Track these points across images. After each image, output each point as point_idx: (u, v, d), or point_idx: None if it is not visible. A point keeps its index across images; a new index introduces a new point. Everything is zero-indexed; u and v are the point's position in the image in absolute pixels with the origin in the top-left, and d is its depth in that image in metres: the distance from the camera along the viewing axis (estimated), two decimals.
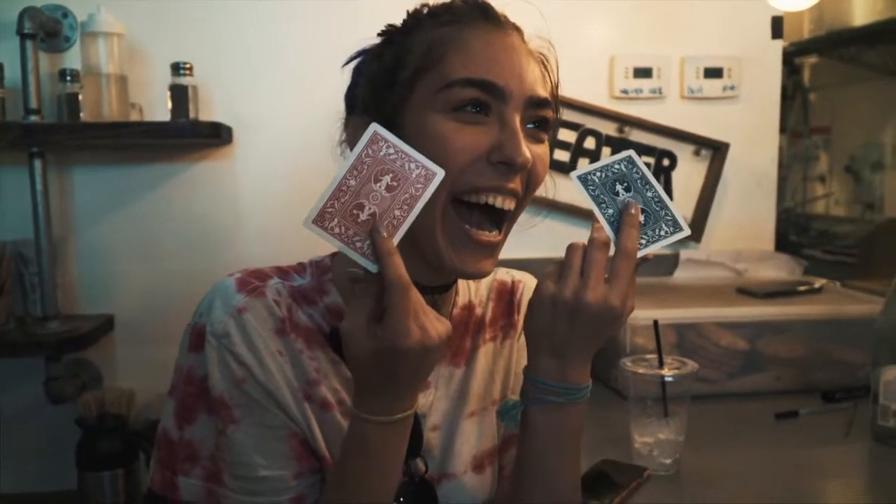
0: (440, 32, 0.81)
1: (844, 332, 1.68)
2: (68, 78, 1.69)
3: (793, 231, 2.98)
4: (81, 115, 1.68)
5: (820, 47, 2.60)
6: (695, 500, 1.20)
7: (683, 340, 1.66)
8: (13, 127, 1.59)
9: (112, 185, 1.81)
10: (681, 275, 1.98)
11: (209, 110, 1.79)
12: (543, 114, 0.83)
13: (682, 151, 1.96)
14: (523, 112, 0.80)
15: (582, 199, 0.80)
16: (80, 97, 1.68)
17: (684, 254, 1.98)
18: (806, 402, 1.54)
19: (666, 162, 1.95)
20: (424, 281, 0.85)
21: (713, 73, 1.94)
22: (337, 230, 0.70)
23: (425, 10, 0.85)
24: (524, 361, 0.94)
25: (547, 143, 0.85)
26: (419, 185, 0.70)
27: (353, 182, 0.70)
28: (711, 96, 1.96)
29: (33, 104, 1.62)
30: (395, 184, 0.70)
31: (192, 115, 1.69)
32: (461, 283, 0.98)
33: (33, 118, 1.62)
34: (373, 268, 0.71)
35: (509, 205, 0.81)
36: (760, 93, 2.00)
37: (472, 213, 0.81)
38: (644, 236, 0.80)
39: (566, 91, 1.95)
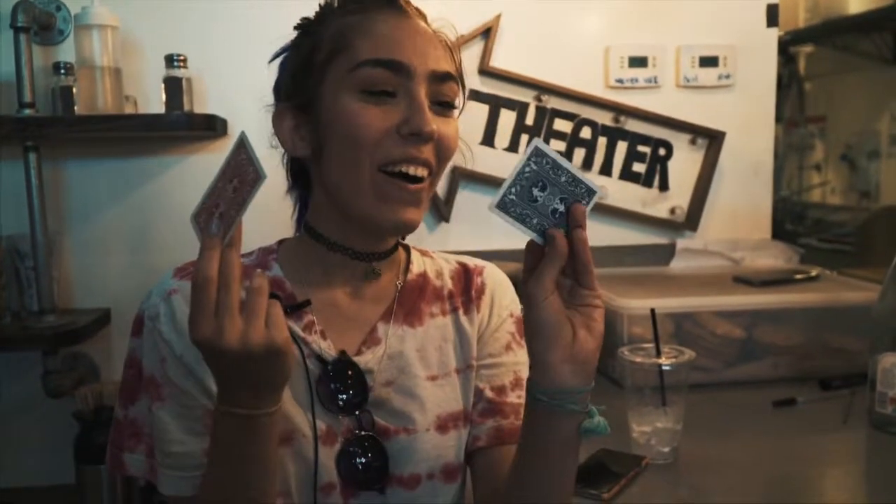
0: (349, 20, 0.88)
1: (841, 319, 1.68)
2: (62, 71, 1.68)
3: (789, 220, 2.99)
4: (76, 108, 1.67)
5: (815, 36, 2.59)
6: (693, 489, 1.20)
7: (680, 330, 1.67)
8: (7, 121, 1.59)
9: (107, 179, 1.81)
10: (677, 264, 1.98)
11: (203, 102, 1.78)
12: (448, 88, 0.88)
13: (678, 140, 1.95)
14: (429, 87, 0.86)
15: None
16: (75, 90, 1.67)
17: (681, 243, 1.98)
18: (803, 391, 1.55)
19: (662, 151, 1.94)
20: (362, 248, 0.92)
21: (708, 61, 1.93)
22: (202, 225, 0.77)
23: (335, 2, 0.92)
24: (494, 347, 1.00)
25: (455, 118, 0.91)
26: (248, 188, 0.74)
27: (220, 184, 0.77)
28: (707, 85, 1.95)
29: (27, 98, 1.61)
30: (238, 186, 0.75)
31: (186, 107, 1.68)
32: (415, 256, 1.01)
33: (27, 112, 1.61)
34: None
35: (422, 172, 0.86)
36: (756, 81, 2.00)
37: (392, 181, 0.86)
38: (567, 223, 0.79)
39: (562, 81, 1.97)
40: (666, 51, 1.93)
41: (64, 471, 1.74)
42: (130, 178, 1.81)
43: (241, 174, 0.76)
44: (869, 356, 1.41)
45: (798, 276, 1.84)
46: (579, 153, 1.94)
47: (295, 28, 0.94)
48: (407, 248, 1.02)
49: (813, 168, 3.17)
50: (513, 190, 0.77)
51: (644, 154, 1.94)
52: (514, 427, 0.96)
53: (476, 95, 1.87)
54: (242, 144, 0.76)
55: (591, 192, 0.79)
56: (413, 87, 0.85)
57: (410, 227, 0.88)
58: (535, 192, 0.77)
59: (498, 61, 1.88)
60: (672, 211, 1.97)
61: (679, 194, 1.97)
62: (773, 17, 1.99)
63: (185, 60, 1.70)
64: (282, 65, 0.95)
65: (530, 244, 0.79)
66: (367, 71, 0.84)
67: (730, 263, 1.99)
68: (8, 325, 1.68)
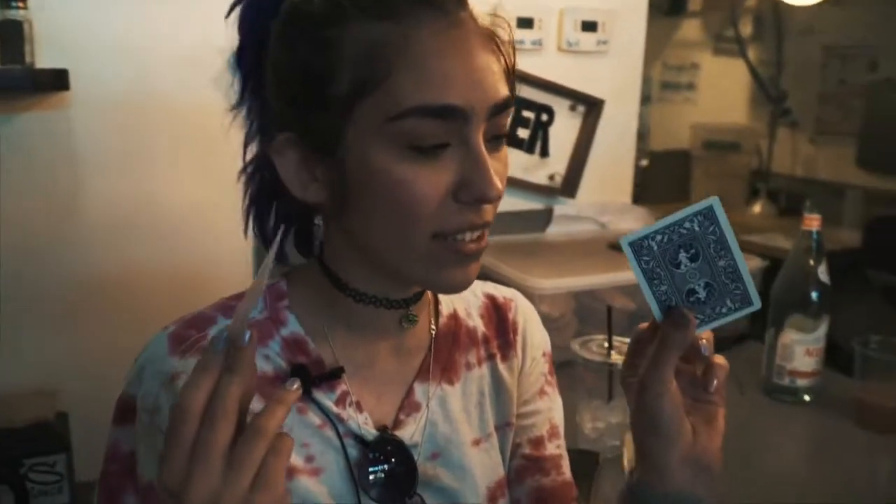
0: (377, 33, 0.65)
1: None
2: None
3: None
4: None
5: None
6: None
7: (581, 305, 1.68)
8: None
9: None
10: (553, 230, 1.99)
11: (41, 50, 1.45)
12: (506, 115, 0.70)
13: (559, 106, 1.93)
14: (487, 125, 0.68)
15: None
16: None
17: (558, 209, 1.98)
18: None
19: (545, 117, 1.91)
20: (397, 295, 0.76)
21: (589, 26, 1.91)
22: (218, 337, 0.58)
23: None
24: (528, 392, 0.89)
25: (504, 146, 0.72)
26: (249, 299, 0.57)
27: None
28: (587, 50, 1.94)
29: None
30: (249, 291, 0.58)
31: (28, 59, 1.35)
32: (442, 294, 0.87)
33: None
34: None
35: (483, 242, 0.71)
36: (627, 47, 2.02)
37: (451, 247, 0.70)
38: (700, 314, 0.67)
39: None
40: (552, 13, 1.88)
41: None
42: None
43: (260, 280, 0.57)
44: (767, 328, 1.52)
45: None
46: None
47: (285, 13, 0.70)
48: None
49: None
50: (658, 238, 0.64)
51: (528, 119, 1.89)
52: (556, 484, 0.88)
53: None
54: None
55: (745, 301, 0.66)
56: (471, 133, 0.66)
57: (470, 283, 0.73)
58: (682, 256, 0.65)
59: None
60: (551, 177, 1.96)
61: (557, 160, 1.96)
62: None
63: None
64: (273, 67, 0.71)
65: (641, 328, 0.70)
66: (416, 123, 0.64)
67: (599, 228, 2.03)
68: None
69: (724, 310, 0.67)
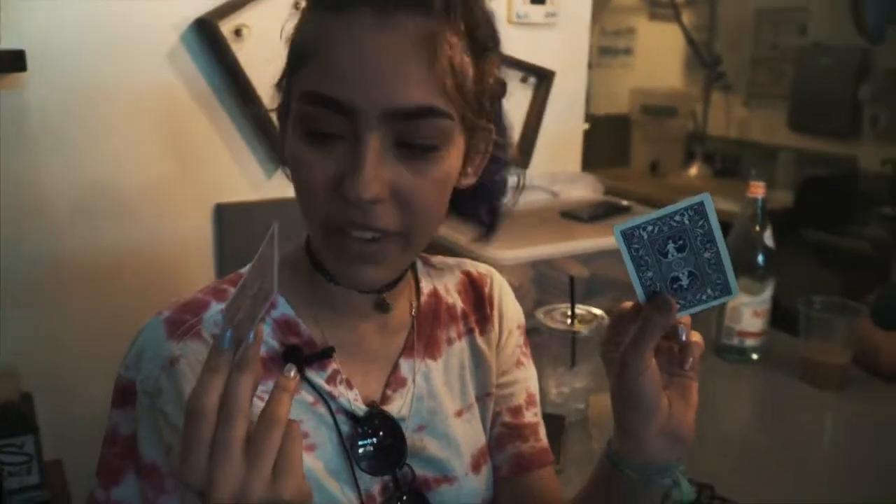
0: (319, 22, 0.68)
1: None
2: None
3: None
4: None
5: None
6: (601, 433, 1.25)
7: (539, 275, 1.73)
8: None
9: None
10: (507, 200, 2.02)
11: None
12: (423, 126, 0.67)
13: (510, 79, 1.94)
14: (389, 128, 0.66)
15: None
16: None
17: (511, 180, 2.01)
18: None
19: None
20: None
21: None
22: (221, 329, 0.59)
23: None
24: (506, 364, 0.94)
25: (436, 160, 0.69)
26: (261, 301, 0.58)
27: (249, 280, 0.61)
28: (536, 22, 1.96)
29: None
30: (258, 292, 0.59)
31: None
32: (421, 270, 0.91)
33: None
34: None
35: (374, 248, 0.70)
36: (574, 19, 2.05)
37: (340, 238, 0.71)
38: (681, 300, 0.70)
39: None
40: None
41: None
42: None
43: (263, 277, 0.59)
44: None
45: (621, 206, 2.00)
46: None
47: None
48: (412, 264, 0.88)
49: None
50: (649, 228, 0.67)
51: None
52: (535, 451, 0.92)
53: None
54: (272, 239, 0.60)
55: (725, 290, 0.70)
56: (361, 132, 0.66)
57: (372, 287, 0.75)
58: (670, 246, 0.68)
59: None
60: None
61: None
62: None
63: None
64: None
65: (624, 307, 0.73)
66: (305, 107, 0.67)
67: (550, 196, 2.07)
68: None
69: (704, 297, 0.71)
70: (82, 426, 1.56)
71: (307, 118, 0.68)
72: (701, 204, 0.66)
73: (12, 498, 1.36)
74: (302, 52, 0.69)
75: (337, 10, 0.67)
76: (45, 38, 1.45)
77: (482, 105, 0.73)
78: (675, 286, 0.70)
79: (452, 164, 0.71)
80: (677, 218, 0.67)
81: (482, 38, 0.72)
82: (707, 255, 0.68)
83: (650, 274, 0.69)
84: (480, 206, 0.87)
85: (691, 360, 0.73)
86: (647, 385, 0.70)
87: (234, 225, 1.69)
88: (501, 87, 0.78)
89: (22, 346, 1.53)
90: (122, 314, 1.57)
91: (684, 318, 0.73)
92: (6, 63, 1.33)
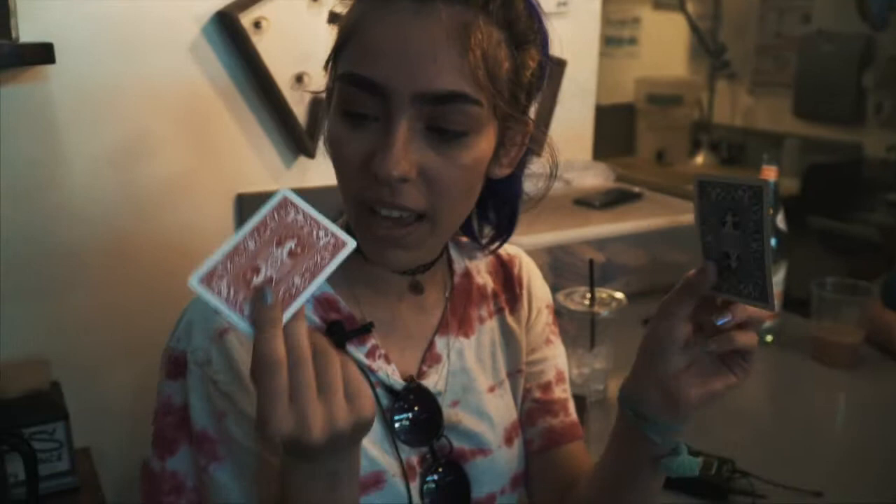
0: (360, 8, 0.73)
1: (677, 238, 1.89)
2: None
3: None
4: None
5: None
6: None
7: (555, 260, 1.76)
8: None
9: None
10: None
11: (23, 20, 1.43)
12: (452, 111, 0.69)
13: None
14: (420, 111, 0.69)
15: None
16: None
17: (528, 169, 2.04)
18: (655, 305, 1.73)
19: None
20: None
21: None
22: (224, 292, 0.61)
23: None
24: (535, 342, 0.97)
25: (463, 147, 0.71)
26: (326, 254, 0.63)
27: (251, 245, 0.62)
28: (548, 11, 1.97)
29: None
30: (298, 250, 0.63)
31: (13, 33, 1.34)
32: (454, 252, 0.94)
33: None
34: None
35: (398, 214, 0.73)
36: (584, 7, 2.08)
37: (370, 216, 0.75)
38: (725, 281, 0.70)
39: None
40: None
41: None
42: None
43: (300, 237, 0.63)
44: None
45: (633, 193, 2.03)
46: None
47: None
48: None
49: None
50: (717, 190, 0.68)
51: None
52: (565, 425, 0.96)
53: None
54: (291, 203, 0.63)
55: (762, 297, 0.68)
56: (393, 113, 0.69)
57: (399, 268, 0.81)
58: (729, 217, 0.68)
59: None
60: None
61: None
62: None
63: None
64: None
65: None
66: (343, 88, 0.72)
67: (562, 184, 2.10)
68: None
69: (744, 290, 0.69)
70: (107, 415, 1.60)
71: (345, 99, 0.72)
72: (759, 188, 0.66)
73: (43, 484, 1.39)
74: (345, 35, 0.73)
75: None
76: (67, 33, 1.48)
77: (517, 97, 0.75)
78: (724, 263, 0.70)
79: (482, 151, 0.74)
80: (739, 192, 0.67)
81: (521, 32, 0.74)
82: (754, 245, 0.67)
83: (709, 238, 0.70)
84: (504, 206, 0.91)
85: (715, 346, 0.72)
86: (661, 332, 0.74)
87: None
88: (539, 81, 0.80)
89: (49, 336, 1.56)
90: (147, 304, 1.61)
91: (749, 310, 0.71)
92: (35, 55, 1.35)
